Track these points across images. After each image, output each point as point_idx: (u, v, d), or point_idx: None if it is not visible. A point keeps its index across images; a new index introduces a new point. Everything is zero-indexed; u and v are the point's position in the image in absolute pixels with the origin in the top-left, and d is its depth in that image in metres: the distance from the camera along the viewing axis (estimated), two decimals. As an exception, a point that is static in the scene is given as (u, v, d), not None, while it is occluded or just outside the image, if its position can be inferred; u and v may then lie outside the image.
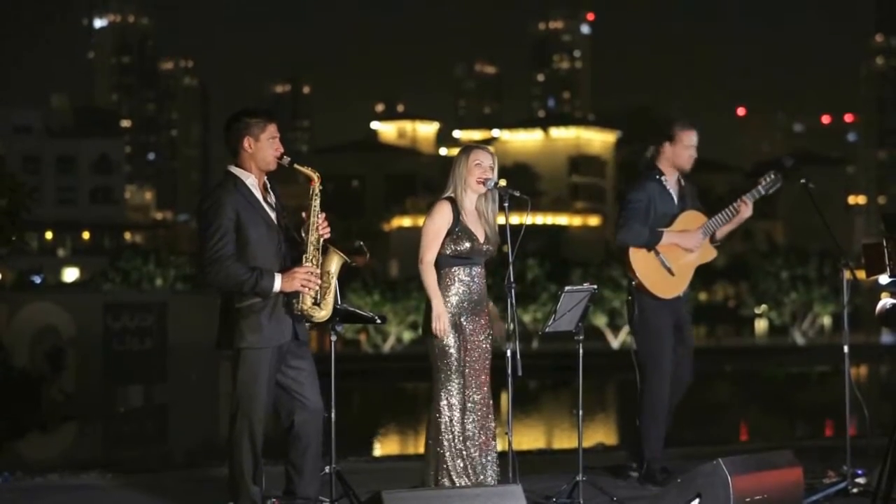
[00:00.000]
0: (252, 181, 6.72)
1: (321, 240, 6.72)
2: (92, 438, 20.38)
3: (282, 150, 6.75)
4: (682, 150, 8.42)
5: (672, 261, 8.33)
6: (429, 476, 7.05)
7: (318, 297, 6.70)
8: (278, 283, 6.58)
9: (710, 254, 8.51)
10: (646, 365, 8.31)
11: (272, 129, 6.73)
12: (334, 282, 6.78)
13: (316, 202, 6.71)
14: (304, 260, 6.68)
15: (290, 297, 6.65)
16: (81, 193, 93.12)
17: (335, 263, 6.76)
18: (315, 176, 6.73)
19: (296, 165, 6.75)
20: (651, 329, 8.35)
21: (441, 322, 7.03)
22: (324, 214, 6.74)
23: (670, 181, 8.46)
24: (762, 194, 8.41)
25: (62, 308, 20.68)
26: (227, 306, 6.72)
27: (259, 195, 6.72)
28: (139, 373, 21.24)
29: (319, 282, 6.68)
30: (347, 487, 7.21)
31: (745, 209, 8.37)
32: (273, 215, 6.74)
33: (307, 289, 6.63)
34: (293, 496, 6.89)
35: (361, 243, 6.99)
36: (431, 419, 7.08)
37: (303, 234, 6.75)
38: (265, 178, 6.80)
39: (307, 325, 6.83)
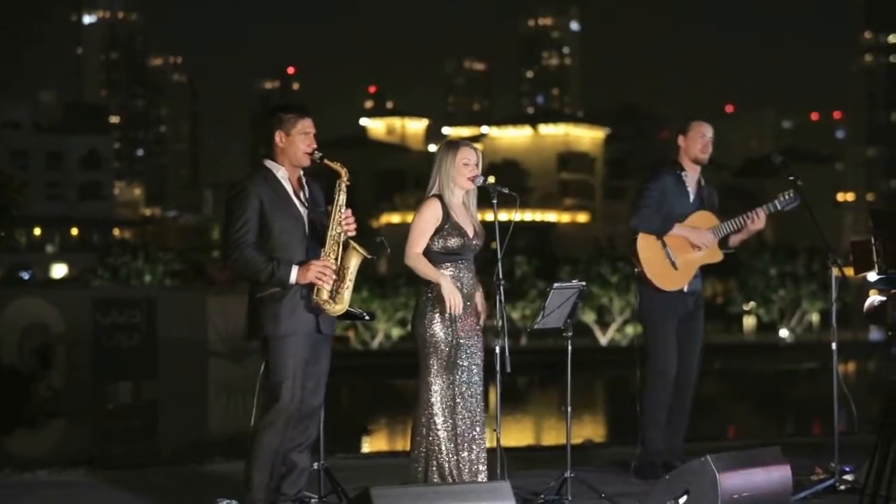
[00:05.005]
0: (283, 173, 6.80)
1: (343, 235, 6.75)
2: (80, 435, 20.34)
3: (314, 145, 6.82)
4: (694, 140, 8.46)
5: (677, 255, 8.37)
6: (416, 473, 7.01)
7: (334, 291, 6.73)
8: (294, 275, 6.63)
9: (716, 255, 8.51)
10: (645, 357, 8.35)
11: (304, 125, 6.81)
12: (351, 277, 6.80)
13: (341, 197, 6.76)
14: (322, 253, 6.71)
15: (309, 290, 6.68)
16: (70, 189, 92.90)
17: (354, 259, 6.78)
18: (343, 171, 6.79)
19: (325, 161, 6.83)
20: (649, 321, 8.40)
21: (455, 297, 6.98)
22: (349, 210, 6.78)
23: (690, 179, 8.50)
24: (777, 209, 8.45)
25: (51, 304, 20.63)
26: (251, 296, 6.79)
27: (289, 188, 6.79)
28: (128, 369, 21.22)
29: (334, 276, 6.70)
30: (336, 484, 7.21)
31: (758, 221, 8.43)
32: (303, 210, 6.79)
33: (321, 281, 6.65)
34: (277, 492, 6.87)
35: (382, 239, 7.02)
36: (418, 415, 7.04)
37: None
38: (300, 173, 6.86)
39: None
